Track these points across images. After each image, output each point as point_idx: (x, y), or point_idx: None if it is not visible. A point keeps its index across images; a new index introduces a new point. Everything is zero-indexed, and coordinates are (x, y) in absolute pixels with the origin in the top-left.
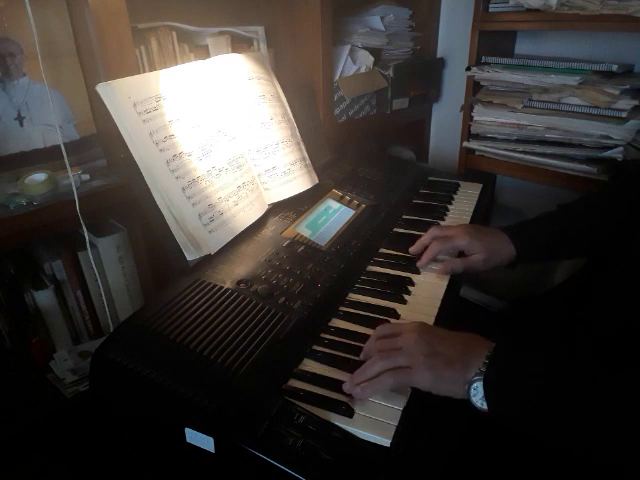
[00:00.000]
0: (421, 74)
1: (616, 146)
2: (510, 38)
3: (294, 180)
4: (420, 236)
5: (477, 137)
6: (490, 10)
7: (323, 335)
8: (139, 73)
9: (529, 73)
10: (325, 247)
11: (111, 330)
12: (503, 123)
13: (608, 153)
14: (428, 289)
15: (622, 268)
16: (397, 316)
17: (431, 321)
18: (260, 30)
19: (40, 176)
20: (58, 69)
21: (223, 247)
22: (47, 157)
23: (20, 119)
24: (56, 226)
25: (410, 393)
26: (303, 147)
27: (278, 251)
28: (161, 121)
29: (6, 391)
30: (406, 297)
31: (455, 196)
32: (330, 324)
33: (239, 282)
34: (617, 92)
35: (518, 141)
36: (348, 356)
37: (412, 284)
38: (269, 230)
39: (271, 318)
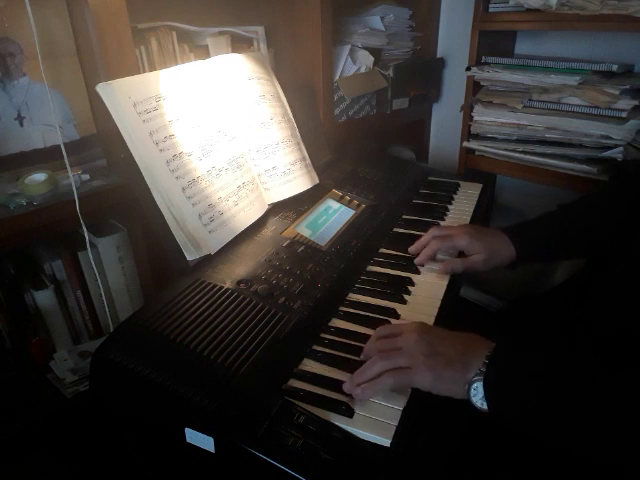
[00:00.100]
0: (421, 74)
1: (616, 146)
2: (510, 38)
3: (294, 180)
4: (420, 236)
5: (477, 137)
6: (490, 10)
7: (323, 335)
8: (139, 73)
9: (529, 73)
10: (325, 247)
11: (111, 330)
12: (503, 123)
13: (608, 153)
14: (428, 289)
15: (622, 268)
16: (397, 316)
17: (431, 321)
18: (260, 30)
19: (40, 176)
20: (58, 69)
21: (223, 247)
22: (47, 157)
23: (20, 119)
24: (56, 226)
25: (410, 393)
26: (303, 147)
27: (278, 251)
28: (161, 121)
29: (6, 391)
30: (406, 297)
31: (455, 196)
32: (330, 324)
33: (239, 282)
34: (617, 92)
35: (518, 141)
36: (348, 356)
37: (412, 284)
38: (269, 230)
39: (271, 318)
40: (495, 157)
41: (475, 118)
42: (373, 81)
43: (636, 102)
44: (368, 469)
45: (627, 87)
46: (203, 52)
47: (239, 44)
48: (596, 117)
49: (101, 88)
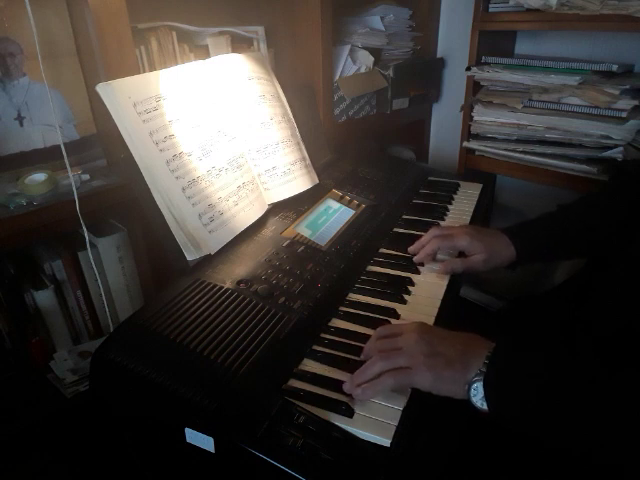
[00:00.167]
0: (421, 74)
1: (616, 146)
2: (510, 38)
3: (294, 180)
4: (420, 236)
5: (477, 137)
6: (490, 10)
7: (323, 335)
8: (139, 73)
9: (529, 73)
10: (325, 247)
11: (111, 330)
12: (503, 123)
13: (608, 153)
14: (428, 289)
15: (622, 268)
16: (397, 316)
17: (431, 321)
18: (260, 30)
19: (40, 176)
20: (58, 69)
21: (223, 247)
22: (47, 157)
23: (20, 119)
24: (56, 226)
25: (410, 393)
26: (303, 147)
27: (278, 251)
28: (161, 121)
29: (6, 391)
30: (406, 297)
31: (455, 196)
32: (330, 324)
33: (239, 282)
34: (617, 92)
35: (518, 141)
36: (348, 356)
37: (412, 284)
38: (269, 230)
39: (271, 318)
40: (495, 157)
41: (475, 118)
42: (373, 81)
43: (636, 102)
44: (368, 469)
45: (627, 87)
46: (203, 52)
47: (239, 44)
48: (596, 117)
49: (101, 88)
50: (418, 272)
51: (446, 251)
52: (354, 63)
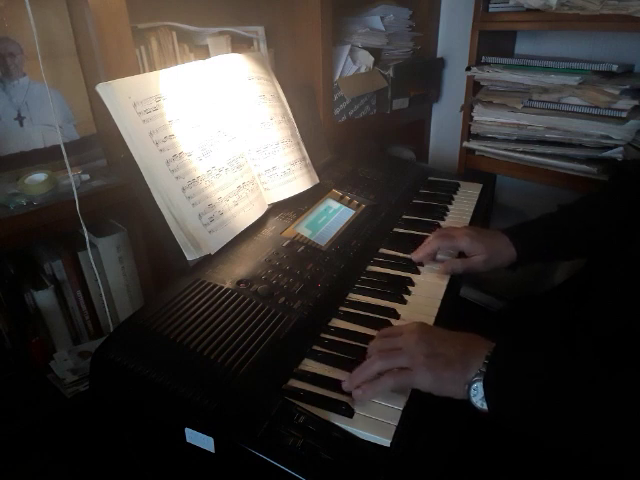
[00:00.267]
0: (421, 74)
1: (616, 146)
2: (510, 38)
3: (294, 180)
4: (420, 236)
5: (477, 137)
6: (490, 10)
7: (323, 335)
8: (139, 73)
9: (529, 73)
10: (325, 247)
11: (111, 330)
12: (503, 123)
13: (608, 153)
14: (428, 289)
15: (622, 268)
16: (397, 316)
17: (431, 321)
18: (260, 30)
19: (40, 176)
20: (58, 69)
21: (223, 247)
22: (47, 157)
23: (20, 119)
24: (56, 226)
25: (410, 393)
26: (303, 147)
27: (278, 251)
28: (161, 121)
29: (6, 391)
30: (406, 297)
31: (455, 196)
32: (330, 324)
33: (239, 282)
34: (617, 92)
35: (518, 141)
36: (348, 356)
37: (412, 284)
38: (269, 230)
39: (271, 318)
40: (495, 157)
41: (475, 118)
42: (373, 81)
43: (636, 102)
44: (368, 469)
45: (627, 87)
46: (203, 52)
47: (239, 44)
48: (596, 117)
49: (101, 88)
50: (418, 272)
51: (446, 251)
52: (354, 63)
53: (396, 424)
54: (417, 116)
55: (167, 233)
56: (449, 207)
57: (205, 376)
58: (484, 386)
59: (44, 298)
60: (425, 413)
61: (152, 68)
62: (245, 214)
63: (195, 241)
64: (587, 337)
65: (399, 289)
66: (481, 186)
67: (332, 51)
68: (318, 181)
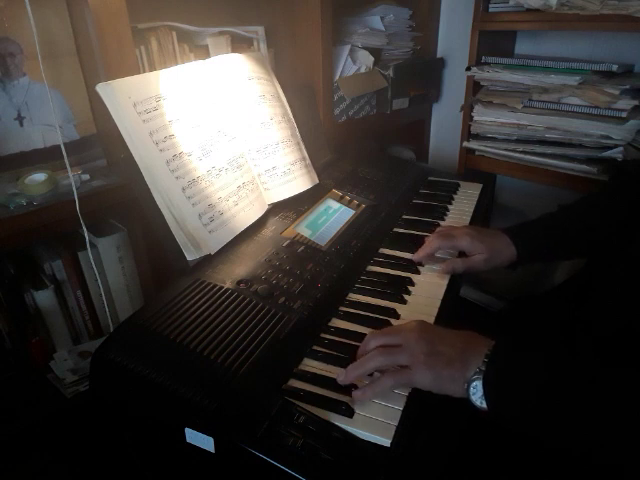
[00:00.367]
0: (421, 74)
1: (616, 146)
2: (510, 38)
3: (294, 180)
4: (420, 236)
5: (477, 137)
6: (490, 10)
7: (323, 335)
8: (139, 73)
9: (529, 73)
10: (325, 247)
11: (111, 330)
12: (503, 123)
13: (608, 153)
14: (428, 289)
15: (622, 268)
16: (397, 316)
17: (431, 321)
18: (260, 30)
19: (40, 176)
20: (58, 69)
21: (223, 247)
22: (47, 157)
23: (20, 119)
24: (56, 226)
25: (410, 393)
26: (303, 147)
27: (278, 251)
28: (161, 121)
29: (6, 391)
30: (406, 297)
31: (455, 196)
32: (330, 324)
33: (239, 282)
34: (617, 92)
35: (518, 141)
36: (348, 356)
37: (412, 284)
38: (269, 230)
39: (271, 318)
40: (495, 157)
41: (475, 118)
42: (373, 81)
43: (636, 102)
44: (368, 469)
45: (627, 87)
46: (203, 52)
47: (239, 44)
48: (596, 117)
49: (101, 88)
50: (418, 272)
51: (446, 251)
52: (354, 63)
53: (396, 424)
54: (417, 116)
55: (167, 233)
56: (449, 207)
57: (205, 376)
58: (483, 384)
59: (44, 298)
60: (425, 413)
61: (152, 68)
62: (245, 214)
63: (195, 241)
64: (587, 337)
65: (399, 289)
66: (481, 186)
67: (332, 51)
68: (318, 181)
